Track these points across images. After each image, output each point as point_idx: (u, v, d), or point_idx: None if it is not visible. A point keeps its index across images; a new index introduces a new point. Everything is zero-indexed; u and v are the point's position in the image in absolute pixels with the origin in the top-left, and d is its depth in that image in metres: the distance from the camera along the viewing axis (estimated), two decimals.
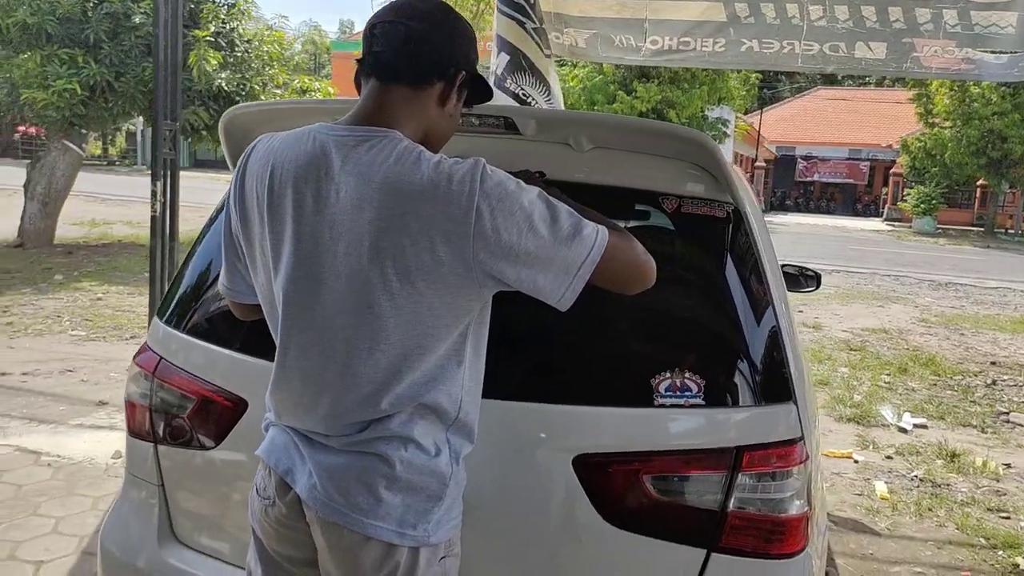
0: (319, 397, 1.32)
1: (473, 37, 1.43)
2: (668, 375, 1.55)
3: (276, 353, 1.35)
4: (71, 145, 11.12)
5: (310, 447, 1.35)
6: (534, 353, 1.66)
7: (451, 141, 1.46)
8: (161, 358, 1.89)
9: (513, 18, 4.85)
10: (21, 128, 30.22)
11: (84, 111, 10.39)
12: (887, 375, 6.97)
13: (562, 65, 20.30)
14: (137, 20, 10.39)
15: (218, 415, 1.79)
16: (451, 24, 1.37)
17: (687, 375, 1.55)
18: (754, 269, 1.67)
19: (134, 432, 1.92)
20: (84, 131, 11.52)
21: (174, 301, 1.99)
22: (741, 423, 1.57)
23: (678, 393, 1.54)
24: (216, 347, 1.83)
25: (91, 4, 10.29)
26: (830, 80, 47.62)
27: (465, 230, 1.21)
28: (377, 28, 1.34)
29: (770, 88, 48.75)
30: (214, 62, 10.38)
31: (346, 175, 1.26)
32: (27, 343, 6.18)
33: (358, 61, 1.37)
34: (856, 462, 4.70)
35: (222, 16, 11.21)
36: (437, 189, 1.21)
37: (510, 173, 1.54)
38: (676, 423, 1.56)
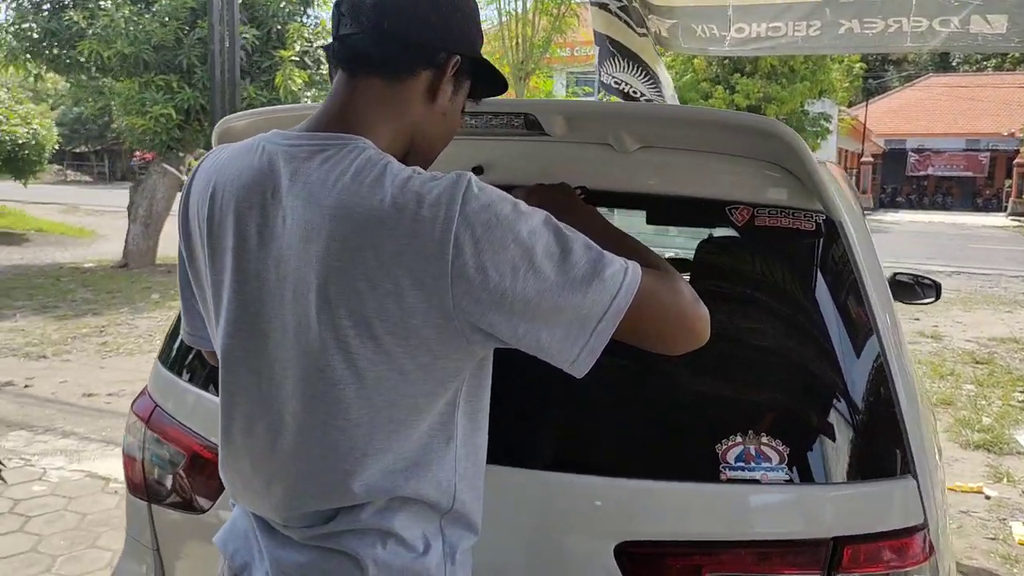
0: (270, 483, 1.04)
1: (473, 11, 1.11)
2: (739, 440, 1.19)
3: (219, 423, 1.08)
4: (169, 168, 11.52)
5: (269, 538, 1.08)
6: (564, 410, 1.33)
7: (460, 148, 1.16)
8: (156, 406, 1.68)
9: (597, 3, 4.49)
10: (138, 153, 32.05)
11: (180, 134, 10.74)
12: (1021, 392, 6.17)
13: None
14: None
15: (210, 473, 1.54)
16: None
17: (765, 440, 1.19)
18: (853, 295, 1.28)
19: (130, 488, 1.70)
20: (181, 154, 11.92)
21: (175, 342, 1.77)
22: (840, 505, 1.19)
23: (753, 464, 1.18)
24: (211, 395, 1.59)
25: (184, 31, 10.61)
26: (943, 66, 44.67)
27: (441, 269, 0.90)
28: (346, 4, 1.05)
29: (876, 78, 45.99)
30: (299, 80, 10.52)
31: (293, 197, 0.97)
32: (118, 363, 6.30)
33: (325, 49, 1.10)
34: (988, 498, 4.08)
35: (307, 35, 11.35)
36: (402, 215, 0.91)
37: (544, 185, 1.23)
38: (750, 505, 1.19)
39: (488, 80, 1.16)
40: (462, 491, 1.04)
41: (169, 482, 1.61)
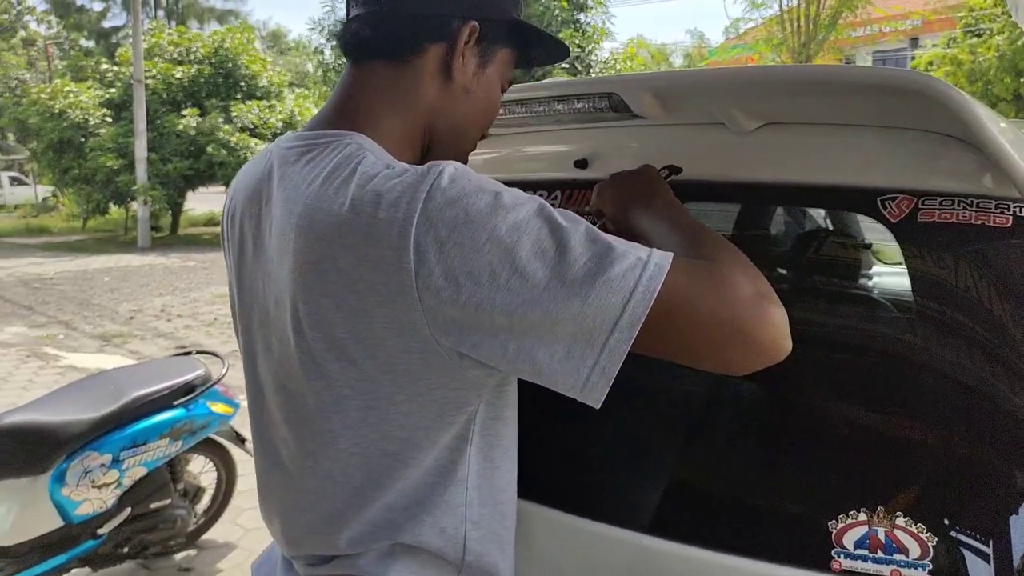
0: (271, 511, 0.97)
1: None
2: (863, 517, 0.86)
3: None
4: None
5: (286, 571, 1.01)
6: (625, 452, 1.08)
7: (560, 141, 0.99)
8: None
9: None
10: None
11: None
12: None
13: (978, 35, 17.00)
14: None
15: None
16: None
17: (901, 521, 0.85)
18: None
19: None
20: None
21: None
22: None
23: (880, 554, 0.84)
24: None
25: None
26: None
27: (402, 282, 0.74)
28: None
29: None
30: None
31: (276, 204, 0.88)
32: None
33: (334, 36, 0.99)
34: None
35: (578, 42, 11.53)
36: (358, 221, 0.76)
37: (621, 173, 1.03)
38: None
39: (535, 45, 0.97)
40: (475, 541, 0.88)
41: None
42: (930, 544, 0.83)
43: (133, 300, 9.44)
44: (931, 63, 18.04)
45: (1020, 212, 0.91)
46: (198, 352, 3.34)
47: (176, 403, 2.94)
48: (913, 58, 20.30)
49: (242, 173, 1.00)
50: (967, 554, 0.85)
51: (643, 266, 0.72)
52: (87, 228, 17.96)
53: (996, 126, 0.85)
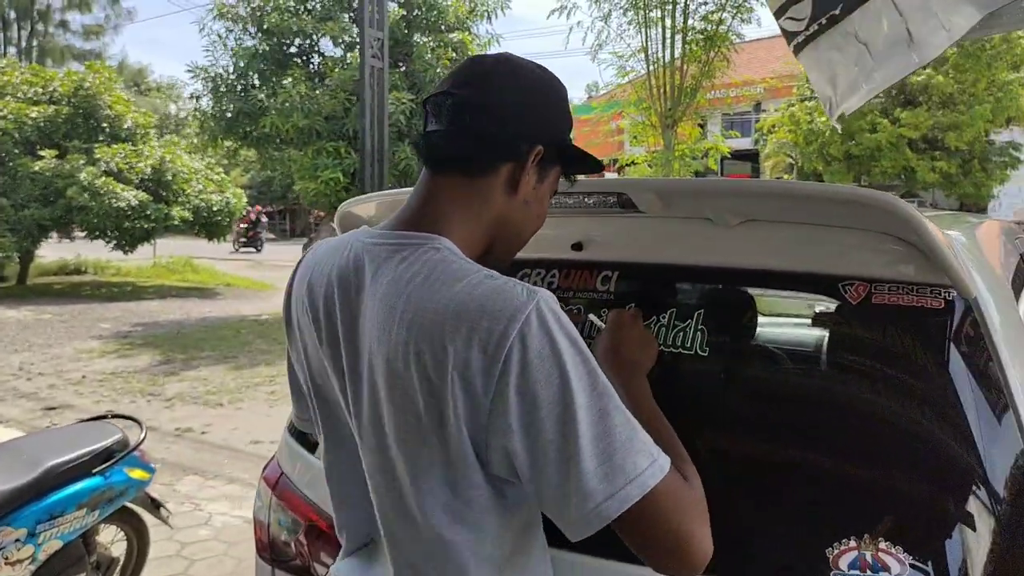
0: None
1: (558, 99, 1.10)
2: (853, 543, 1.07)
3: None
4: (336, 227, 12.38)
5: None
6: None
7: (559, 226, 1.15)
8: (282, 473, 1.77)
9: None
10: (315, 212, 34.96)
11: (347, 195, 11.54)
12: None
13: (813, 100, 18.83)
14: (390, 109, 11.41)
15: (326, 542, 1.60)
16: (521, 87, 1.06)
17: (884, 545, 1.06)
18: (989, 382, 1.13)
19: (258, 550, 1.80)
20: None
21: None
22: None
23: (868, 573, 1.05)
24: None
25: (351, 101, 11.45)
26: None
27: (485, 385, 0.88)
28: (430, 103, 1.07)
29: None
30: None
31: (371, 297, 0.99)
32: (283, 411, 6.73)
33: (413, 146, 1.14)
34: None
35: None
36: (460, 324, 0.89)
37: (627, 315, 1.22)
38: None
39: (580, 161, 1.15)
40: None
41: (290, 547, 1.69)
42: (906, 563, 1.05)
43: None
44: (774, 125, 19.92)
45: (950, 297, 1.18)
46: (114, 416, 3.21)
47: (94, 471, 2.83)
48: (758, 120, 22.37)
49: (318, 258, 1.11)
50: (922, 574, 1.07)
51: (651, 461, 0.88)
52: None
53: (938, 232, 1.11)
